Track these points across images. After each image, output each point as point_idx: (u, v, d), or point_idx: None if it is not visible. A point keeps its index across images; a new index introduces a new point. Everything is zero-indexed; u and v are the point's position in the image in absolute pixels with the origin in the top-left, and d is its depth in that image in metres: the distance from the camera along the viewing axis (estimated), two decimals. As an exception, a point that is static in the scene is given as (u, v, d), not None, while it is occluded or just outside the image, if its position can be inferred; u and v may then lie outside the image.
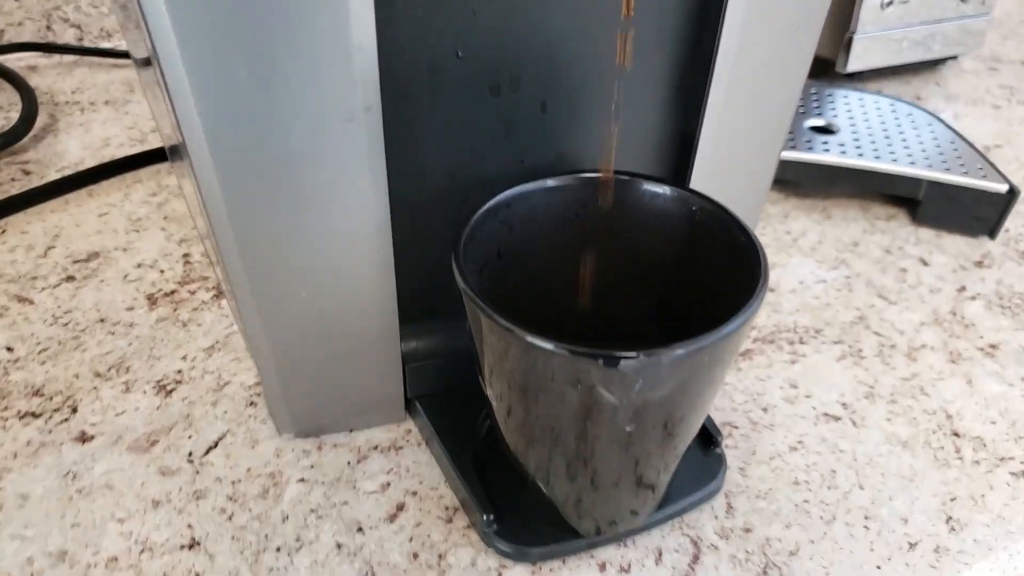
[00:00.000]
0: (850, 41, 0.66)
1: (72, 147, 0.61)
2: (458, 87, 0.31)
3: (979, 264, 0.51)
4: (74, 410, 0.41)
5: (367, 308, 0.34)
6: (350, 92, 0.28)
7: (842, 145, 0.54)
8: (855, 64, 0.68)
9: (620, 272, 0.35)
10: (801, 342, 0.45)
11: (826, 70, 0.70)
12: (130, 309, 0.47)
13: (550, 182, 0.33)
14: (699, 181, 0.37)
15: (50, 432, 0.39)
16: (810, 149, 0.54)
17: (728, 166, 0.38)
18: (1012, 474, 0.37)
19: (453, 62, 0.31)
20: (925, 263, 0.51)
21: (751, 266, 0.29)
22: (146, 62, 0.29)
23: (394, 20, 0.29)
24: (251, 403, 0.41)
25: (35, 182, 0.57)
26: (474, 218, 0.31)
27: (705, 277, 0.32)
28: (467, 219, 0.31)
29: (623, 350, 0.24)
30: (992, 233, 0.53)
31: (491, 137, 0.34)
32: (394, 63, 0.29)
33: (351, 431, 0.40)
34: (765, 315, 0.47)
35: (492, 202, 0.32)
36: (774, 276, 0.50)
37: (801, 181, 0.55)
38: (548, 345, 0.25)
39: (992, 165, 0.53)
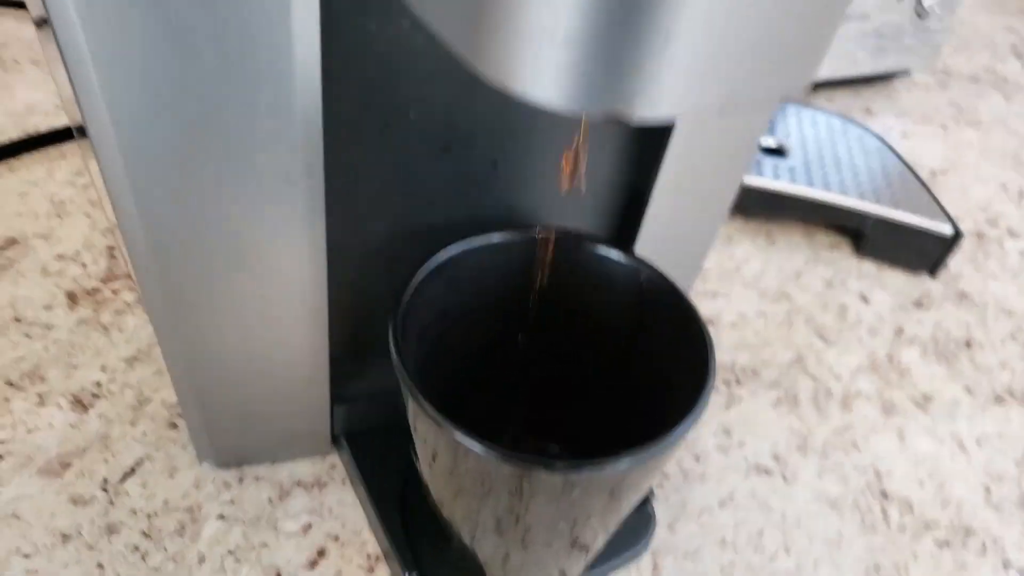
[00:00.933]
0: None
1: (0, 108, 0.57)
2: (409, 145, 0.30)
3: (918, 304, 0.52)
4: (-17, 423, 0.39)
5: (297, 353, 0.33)
6: (291, 156, 0.26)
7: (792, 170, 0.54)
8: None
9: (569, 333, 0.34)
10: (738, 382, 0.45)
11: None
12: (48, 308, 0.45)
13: (496, 238, 0.32)
14: (648, 234, 0.36)
15: (-45, 449, 0.37)
16: (760, 172, 0.53)
17: (678, 220, 0.37)
18: (936, 543, 0.38)
19: (404, 121, 0.29)
20: (866, 300, 0.52)
21: (699, 353, 0.28)
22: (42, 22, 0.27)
23: (343, 80, 0.27)
24: (172, 424, 0.40)
25: (-51, 152, 0.53)
26: (416, 279, 0.30)
27: (653, 350, 0.31)
28: (408, 281, 0.30)
29: (560, 455, 0.24)
30: (933, 271, 0.53)
31: (441, 194, 0.32)
32: (342, 122, 0.27)
33: (274, 462, 0.39)
34: (703, 349, 0.47)
35: (437, 260, 0.31)
36: (715, 307, 0.49)
37: (748, 204, 0.54)
38: (478, 448, 0.24)
39: (937, 202, 0.53)
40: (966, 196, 0.61)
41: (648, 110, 0.18)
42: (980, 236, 0.58)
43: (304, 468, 0.38)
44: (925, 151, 0.66)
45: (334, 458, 0.39)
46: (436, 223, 0.33)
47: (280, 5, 0.22)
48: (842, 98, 0.71)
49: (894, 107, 0.71)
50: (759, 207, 0.54)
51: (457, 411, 0.25)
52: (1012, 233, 0.58)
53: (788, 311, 0.50)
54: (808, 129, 0.59)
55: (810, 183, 0.53)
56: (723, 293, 0.51)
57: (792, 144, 0.57)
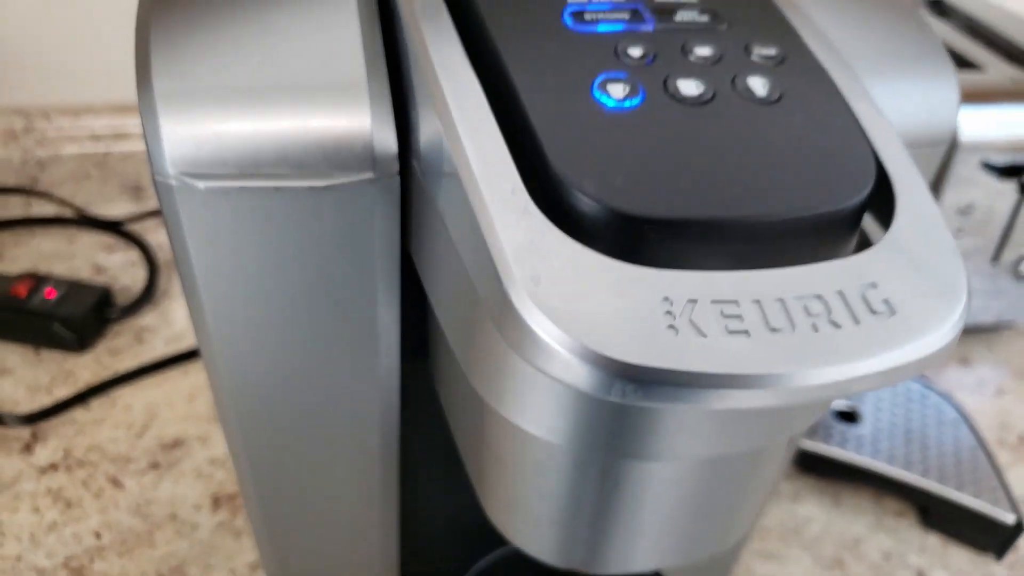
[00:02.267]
0: (901, 308, 0.69)
1: (180, 316, 0.70)
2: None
3: (974, 586, 0.54)
4: (136, 611, 0.48)
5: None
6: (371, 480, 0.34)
7: (859, 438, 0.58)
8: (904, 327, 0.70)
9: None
10: (776, 653, 0.49)
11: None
12: (197, 508, 0.55)
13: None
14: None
15: (113, 632, 0.47)
16: (829, 438, 0.57)
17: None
18: None
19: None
20: (920, 576, 0.54)
21: None
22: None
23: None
24: (278, 633, 0.48)
25: (146, 352, 0.66)
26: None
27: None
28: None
29: None
30: (999, 555, 0.55)
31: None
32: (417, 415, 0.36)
33: None
34: (750, 614, 0.51)
35: (482, 564, 0.38)
36: (768, 570, 0.54)
37: (816, 467, 0.58)
38: None
39: (1004, 487, 0.55)
40: (1052, 467, 0.62)
41: (601, 569, 0.26)
42: (1058, 515, 0.59)
43: None
44: (1018, 412, 0.67)
45: None
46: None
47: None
48: (939, 345, 0.74)
49: (993, 357, 0.73)
50: (826, 471, 0.58)
51: None
52: (1094, 515, 0.59)
53: (840, 582, 0.53)
54: (886, 394, 0.62)
55: (876, 454, 0.57)
56: (778, 555, 0.55)
57: (866, 410, 0.60)
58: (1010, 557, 0.56)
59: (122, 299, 0.70)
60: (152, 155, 0.26)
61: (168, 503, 0.55)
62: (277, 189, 0.25)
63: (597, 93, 0.21)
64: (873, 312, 0.19)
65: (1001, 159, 0.63)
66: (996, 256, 0.68)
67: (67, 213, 0.77)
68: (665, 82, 0.22)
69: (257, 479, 0.35)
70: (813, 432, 0.58)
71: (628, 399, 0.17)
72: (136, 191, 0.80)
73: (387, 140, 0.26)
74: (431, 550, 0.41)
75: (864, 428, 0.59)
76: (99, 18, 0.75)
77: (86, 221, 0.76)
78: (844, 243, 0.21)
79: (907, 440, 0.58)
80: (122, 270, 0.74)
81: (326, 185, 0.26)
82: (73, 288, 0.66)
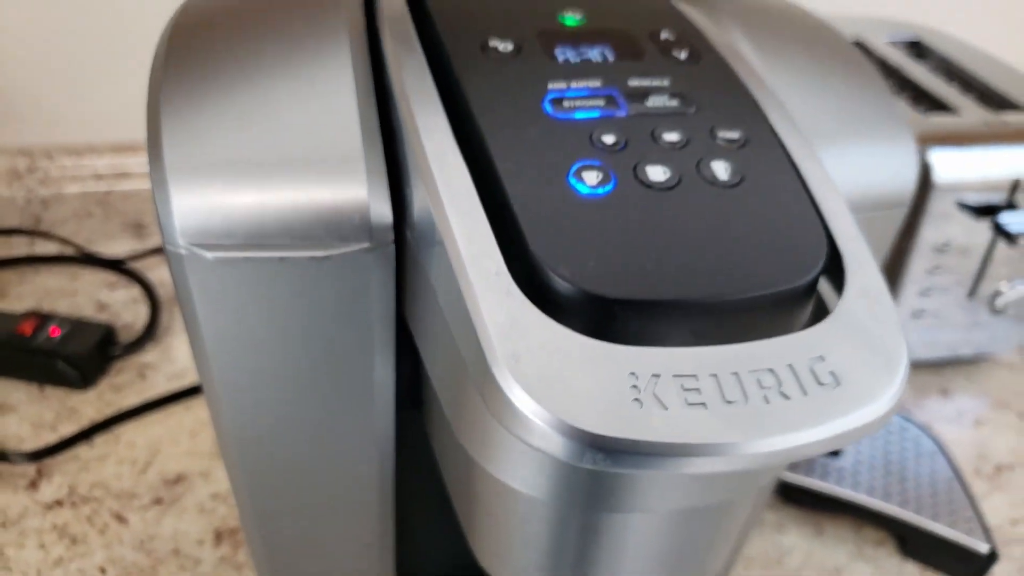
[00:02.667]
0: (881, 341, 0.71)
1: (181, 353, 0.72)
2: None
3: (951, 614, 0.55)
4: (140, 645, 0.50)
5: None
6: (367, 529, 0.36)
7: (840, 471, 0.60)
8: (885, 360, 0.73)
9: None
10: None
11: (859, 357, 0.75)
12: (200, 543, 0.57)
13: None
14: None
15: (118, 665, 0.49)
16: (811, 471, 0.59)
17: None
18: None
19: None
20: (899, 604, 0.56)
21: None
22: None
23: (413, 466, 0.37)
24: (278, 665, 0.50)
25: (148, 389, 0.68)
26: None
27: None
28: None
29: None
30: (973, 580, 0.57)
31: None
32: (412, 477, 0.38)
33: None
34: (734, 644, 0.52)
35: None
36: (753, 599, 0.55)
37: (798, 498, 0.60)
38: None
39: (979, 517, 0.57)
40: (1028, 496, 0.65)
41: None
42: (1034, 544, 0.61)
43: None
44: (996, 443, 0.69)
45: None
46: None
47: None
48: (920, 377, 0.76)
49: (973, 388, 0.75)
50: (808, 502, 0.60)
51: None
52: (1068, 544, 0.61)
53: (822, 611, 0.55)
54: (866, 424, 0.64)
55: (856, 486, 0.59)
56: (763, 585, 0.56)
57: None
58: (987, 584, 0.58)
59: (125, 336, 0.72)
60: (163, 225, 0.28)
61: (171, 538, 0.57)
62: (281, 259, 0.28)
63: (573, 180, 0.24)
64: (820, 384, 0.21)
65: (975, 199, 0.66)
66: (972, 291, 0.70)
67: (70, 251, 0.79)
68: (635, 168, 0.24)
69: (258, 520, 0.37)
70: (796, 465, 0.60)
71: (598, 466, 0.19)
72: (137, 229, 0.83)
73: (383, 211, 0.28)
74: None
75: (845, 461, 0.61)
76: (101, 61, 0.77)
77: (89, 259, 0.78)
78: (798, 315, 0.23)
79: (886, 472, 0.60)
80: (124, 307, 0.76)
81: (326, 255, 0.28)
82: (77, 326, 0.68)
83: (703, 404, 0.20)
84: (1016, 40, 1.03)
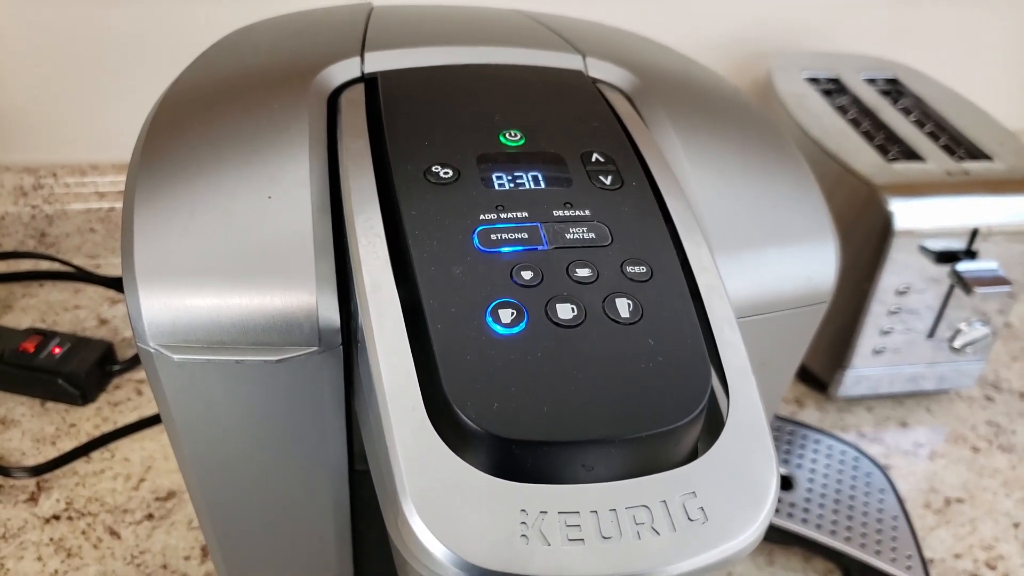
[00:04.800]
0: (843, 375, 0.74)
1: (177, 369, 0.75)
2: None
3: (888, 646, 0.59)
4: (128, 656, 0.54)
5: None
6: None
7: (792, 505, 0.63)
8: (846, 391, 0.76)
9: None
10: None
11: (823, 388, 0.78)
12: (187, 559, 0.61)
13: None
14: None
15: (107, 676, 0.53)
16: (763, 506, 0.63)
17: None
18: None
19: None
20: (840, 635, 0.59)
21: None
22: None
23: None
24: None
25: (144, 404, 0.72)
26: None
27: None
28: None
29: None
30: (910, 614, 0.61)
31: None
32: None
33: None
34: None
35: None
36: (701, 627, 0.59)
37: (752, 531, 0.64)
38: None
39: (920, 554, 0.61)
40: (975, 531, 0.68)
41: None
42: (974, 578, 0.64)
43: None
44: (947, 477, 0.73)
45: None
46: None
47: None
48: (883, 408, 0.79)
49: (931, 421, 0.78)
50: (761, 533, 0.64)
51: None
52: (1007, 579, 0.64)
53: (766, 640, 0.59)
54: (822, 459, 0.68)
55: (805, 520, 0.62)
56: (713, 613, 0.60)
57: (801, 476, 0.66)
58: (924, 619, 0.61)
59: (123, 351, 0.76)
60: (135, 327, 0.31)
61: (160, 553, 0.61)
62: (238, 362, 0.31)
63: (489, 319, 0.27)
64: (690, 520, 0.24)
65: (936, 245, 0.68)
66: (931, 333, 0.73)
67: (73, 269, 0.82)
68: (547, 306, 0.27)
69: (227, 564, 0.41)
70: (750, 498, 0.64)
71: (489, 593, 0.23)
72: (138, 243, 0.86)
73: (330, 317, 0.31)
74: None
75: (797, 495, 0.64)
76: (105, 83, 0.80)
77: (91, 276, 0.82)
78: (681, 448, 0.26)
79: (836, 507, 0.64)
80: (124, 322, 0.79)
81: (279, 359, 0.31)
82: (78, 344, 0.72)
83: (581, 540, 0.23)
84: (991, 76, 1.05)
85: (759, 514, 0.25)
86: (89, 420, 0.70)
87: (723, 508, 0.24)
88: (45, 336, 0.72)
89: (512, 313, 0.27)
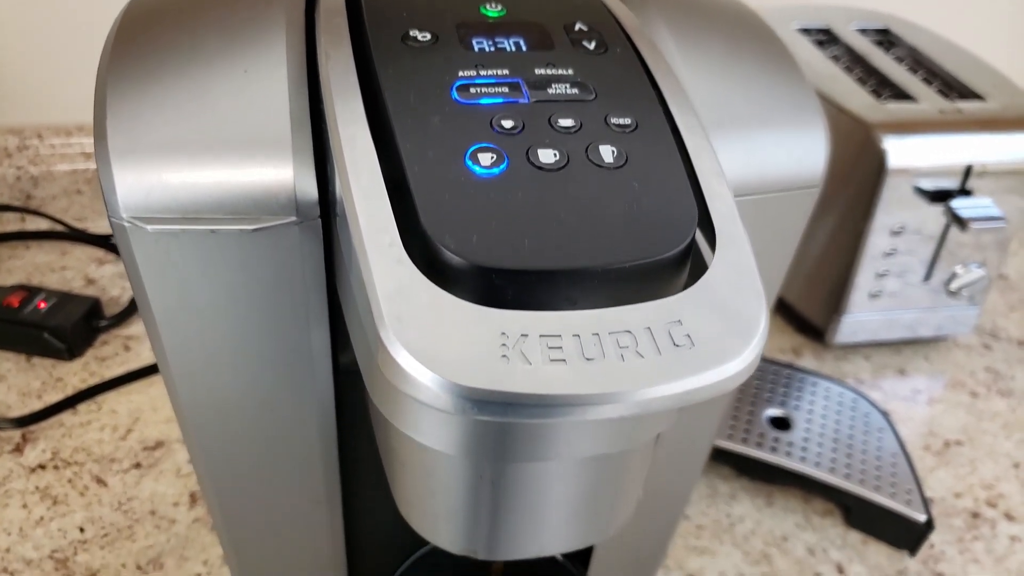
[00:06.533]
0: (839, 320, 0.74)
1: (166, 326, 0.74)
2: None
3: (889, 581, 0.58)
4: (115, 599, 0.53)
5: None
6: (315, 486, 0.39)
7: (790, 444, 0.62)
8: (843, 339, 0.75)
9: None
10: (699, 640, 0.53)
11: (820, 336, 0.77)
12: (176, 504, 0.60)
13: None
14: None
15: (93, 617, 0.52)
16: (759, 445, 0.62)
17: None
18: None
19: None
20: (841, 571, 0.58)
21: None
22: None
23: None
24: (244, 619, 0.53)
25: (132, 360, 0.71)
26: (403, 568, 0.42)
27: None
28: (395, 570, 0.42)
29: None
30: (912, 551, 0.60)
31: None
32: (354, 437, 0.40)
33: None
34: (678, 605, 0.55)
35: (420, 552, 0.43)
36: (699, 563, 0.58)
37: (749, 471, 0.63)
38: None
39: (919, 488, 0.60)
40: (975, 472, 0.67)
41: (496, 556, 0.30)
42: (976, 516, 0.63)
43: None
44: (945, 421, 0.72)
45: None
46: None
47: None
48: (880, 356, 0.78)
49: (929, 368, 0.77)
50: (760, 474, 0.63)
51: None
52: (1009, 516, 0.63)
53: (765, 574, 0.58)
54: (819, 401, 0.67)
55: (804, 459, 0.61)
56: (711, 550, 0.59)
57: (798, 417, 0.65)
58: (923, 553, 0.60)
59: (111, 309, 0.75)
60: (107, 201, 0.30)
61: (148, 500, 0.60)
62: (213, 231, 0.30)
63: (468, 162, 0.26)
64: (675, 345, 0.23)
65: (930, 184, 0.68)
66: (928, 275, 0.72)
67: (60, 228, 0.81)
68: (528, 151, 0.27)
69: (213, 482, 0.40)
70: (748, 438, 0.63)
71: (469, 415, 0.22)
72: (126, 206, 0.85)
73: (308, 188, 0.30)
74: (375, 544, 0.45)
75: (795, 435, 0.64)
76: (90, 43, 0.80)
77: (78, 235, 0.81)
78: (666, 286, 0.26)
79: (835, 445, 0.63)
80: (111, 281, 0.78)
81: (255, 228, 0.30)
82: (64, 299, 0.71)
83: (563, 360, 0.22)
84: (985, 30, 1.05)
85: (748, 343, 0.24)
86: (76, 375, 0.69)
87: (710, 336, 0.24)
88: (30, 292, 0.71)
89: (492, 157, 0.26)
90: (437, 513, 0.30)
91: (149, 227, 0.30)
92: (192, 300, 0.32)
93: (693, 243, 0.26)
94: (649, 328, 0.23)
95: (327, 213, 0.31)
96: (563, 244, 0.24)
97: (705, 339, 0.24)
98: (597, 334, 0.23)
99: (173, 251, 0.31)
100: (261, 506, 0.41)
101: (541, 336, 0.23)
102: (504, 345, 0.22)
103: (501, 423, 0.27)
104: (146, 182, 0.30)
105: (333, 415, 0.38)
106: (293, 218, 0.30)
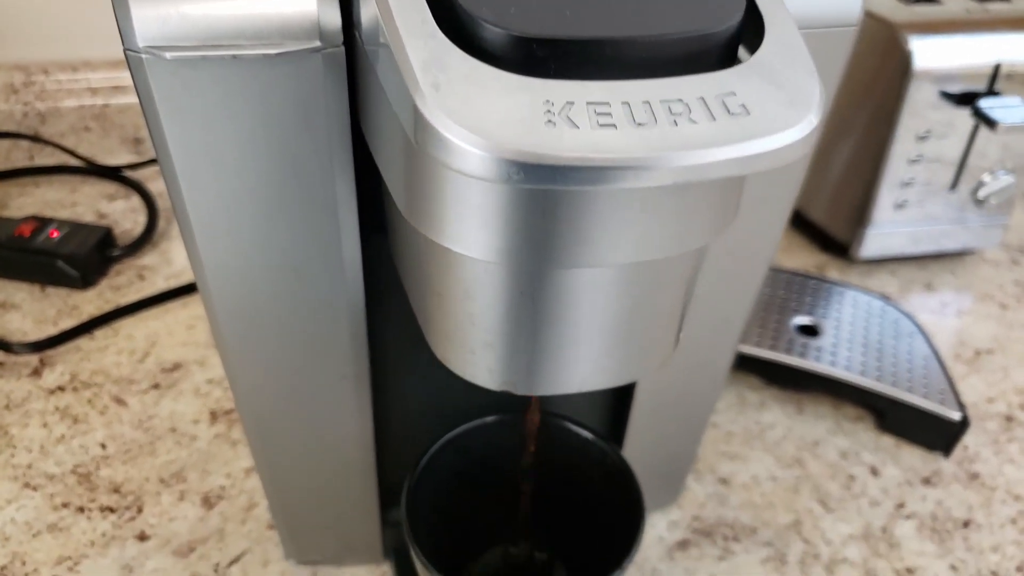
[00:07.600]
0: (864, 234, 0.72)
1: (179, 256, 0.73)
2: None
3: (926, 482, 0.57)
4: (140, 510, 0.52)
5: (353, 487, 0.45)
6: (343, 359, 0.38)
7: (819, 350, 0.61)
8: (869, 252, 0.73)
9: (552, 491, 0.44)
10: (735, 539, 0.52)
11: (844, 252, 0.76)
12: (196, 422, 0.59)
13: (491, 419, 0.43)
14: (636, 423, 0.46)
15: (120, 528, 0.51)
16: (789, 351, 0.61)
17: (663, 406, 0.46)
18: None
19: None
20: (875, 473, 0.57)
21: (635, 521, 0.38)
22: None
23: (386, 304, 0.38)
24: (270, 526, 0.52)
25: (147, 288, 0.70)
26: (432, 449, 0.41)
27: (600, 514, 0.41)
28: (425, 451, 0.40)
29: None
30: (947, 451, 0.58)
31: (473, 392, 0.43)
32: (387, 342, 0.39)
33: (340, 566, 0.50)
34: (711, 507, 0.54)
35: (447, 437, 0.42)
36: (732, 468, 0.57)
37: (779, 378, 0.62)
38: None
39: (953, 388, 0.59)
40: (1007, 377, 0.66)
41: (529, 389, 0.29)
42: (1010, 419, 0.62)
43: (363, 572, 0.49)
44: (976, 331, 0.70)
45: (386, 567, 0.50)
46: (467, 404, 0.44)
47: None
48: (906, 271, 0.77)
49: (957, 283, 0.76)
50: (789, 381, 0.62)
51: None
52: (1044, 419, 0.62)
53: (798, 477, 0.56)
54: (847, 309, 0.65)
55: (834, 363, 0.60)
56: (742, 456, 0.58)
57: (827, 324, 0.64)
58: (957, 454, 0.59)
59: (124, 241, 0.74)
60: (123, 32, 0.29)
61: (168, 418, 0.59)
62: (235, 57, 0.29)
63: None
64: (730, 113, 0.22)
65: (956, 87, 0.66)
66: (955, 184, 0.71)
67: (70, 162, 0.80)
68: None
69: (237, 356, 0.39)
70: (776, 345, 0.61)
71: (513, 182, 0.21)
72: (135, 143, 0.84)
73: (331, 13, 0.29)
74: (404, 427, 0.44)
75: (824, 340, 0.62)
76: (96, -22, 0.79)
77: (88, 169, 0.80)
78: (717, 64, 0.24)
79: (865, 350, 0.62)
80: (123, 215, 0.77)
81: (277, 53, 0.29)
82: (76, 229, 0.70)
83: (613, 126, 0.21)
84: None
85: (806, 115, 0.22)
86: (91, 303, 0.68)
87: (766, 107, 0.22)
88: (42, 222, 0.70)
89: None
90: (475, 345, 0.29)
91: (168, 55, 0.29)
92: (212, 142, 0.31)
93: (743, 25, 0.24)
94: (702, 98, 0.22)
95: (351, 44, 0.30)
96: (606, 16, 0.23)
97: (761, 109, 0.22)
98: (648, 102, 0.22)
99: (192, 83, 0.30)
100: (287, 384, 0.40)
101: (588, 103, 0.21)
102: (549, 112, 0.21)
103: (543, 222, 0.25)
104: (163, 9, 0.29)
105: (361, 279, 0.37)
106: (317, 43, 0.29)
